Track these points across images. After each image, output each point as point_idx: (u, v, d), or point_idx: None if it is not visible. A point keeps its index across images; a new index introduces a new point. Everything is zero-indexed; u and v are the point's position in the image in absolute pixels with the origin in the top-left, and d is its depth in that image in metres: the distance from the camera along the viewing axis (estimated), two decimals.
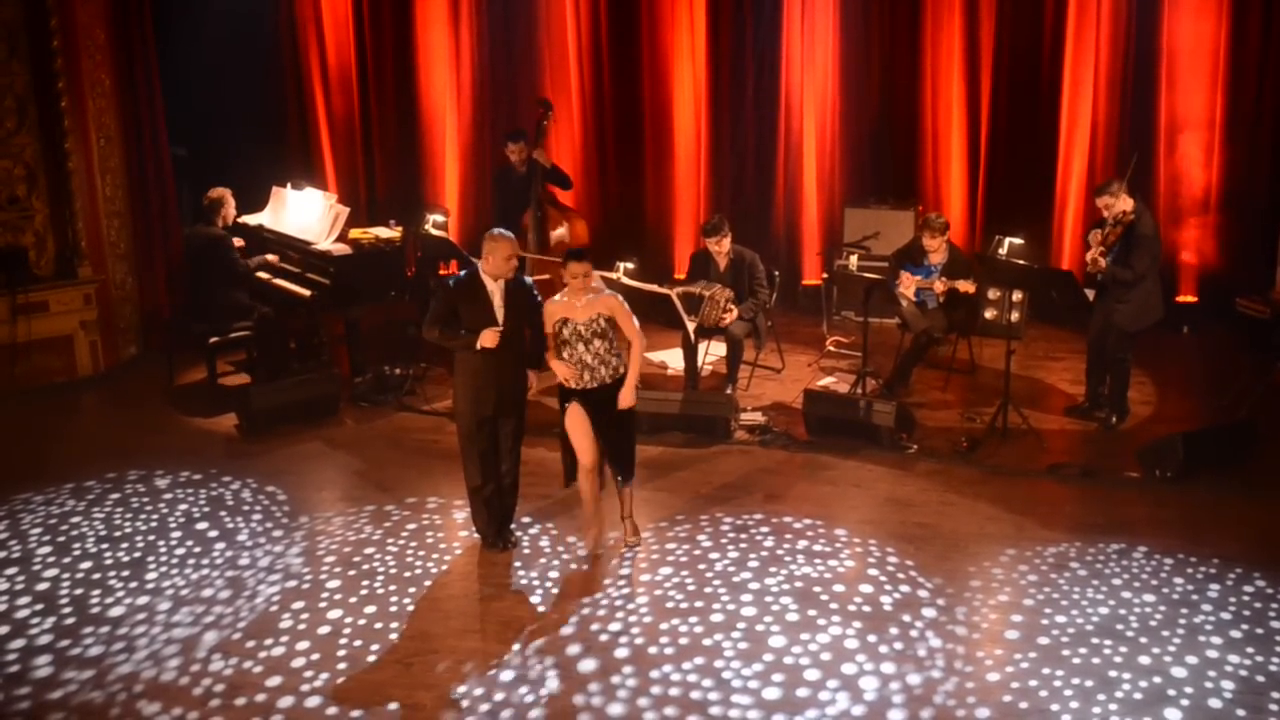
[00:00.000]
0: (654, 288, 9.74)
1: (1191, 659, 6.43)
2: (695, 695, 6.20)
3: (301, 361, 10.59)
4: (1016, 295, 10.95)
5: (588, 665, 6.47)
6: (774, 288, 10.49)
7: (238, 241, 10.47)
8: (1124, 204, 8.96)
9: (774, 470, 8.80)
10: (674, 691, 6.23)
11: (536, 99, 11.88)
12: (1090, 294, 9.28)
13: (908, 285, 10.00)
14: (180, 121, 12.04)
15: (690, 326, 9.58)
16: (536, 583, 7.32)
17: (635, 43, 12.81)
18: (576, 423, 7.40)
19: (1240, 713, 6.02)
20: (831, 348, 11.23)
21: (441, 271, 11.47)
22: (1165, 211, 11.57)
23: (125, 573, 7.50)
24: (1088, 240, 9.23)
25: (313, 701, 6.21)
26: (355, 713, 6.11)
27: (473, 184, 13.34)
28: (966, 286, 9.70)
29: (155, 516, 8.24)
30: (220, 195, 10.19)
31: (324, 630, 6.84)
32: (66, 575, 7.48)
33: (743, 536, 7.77)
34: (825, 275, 11.82)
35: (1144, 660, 6.43)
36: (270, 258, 10.60)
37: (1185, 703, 6.07)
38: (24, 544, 7.87)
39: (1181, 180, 11.56)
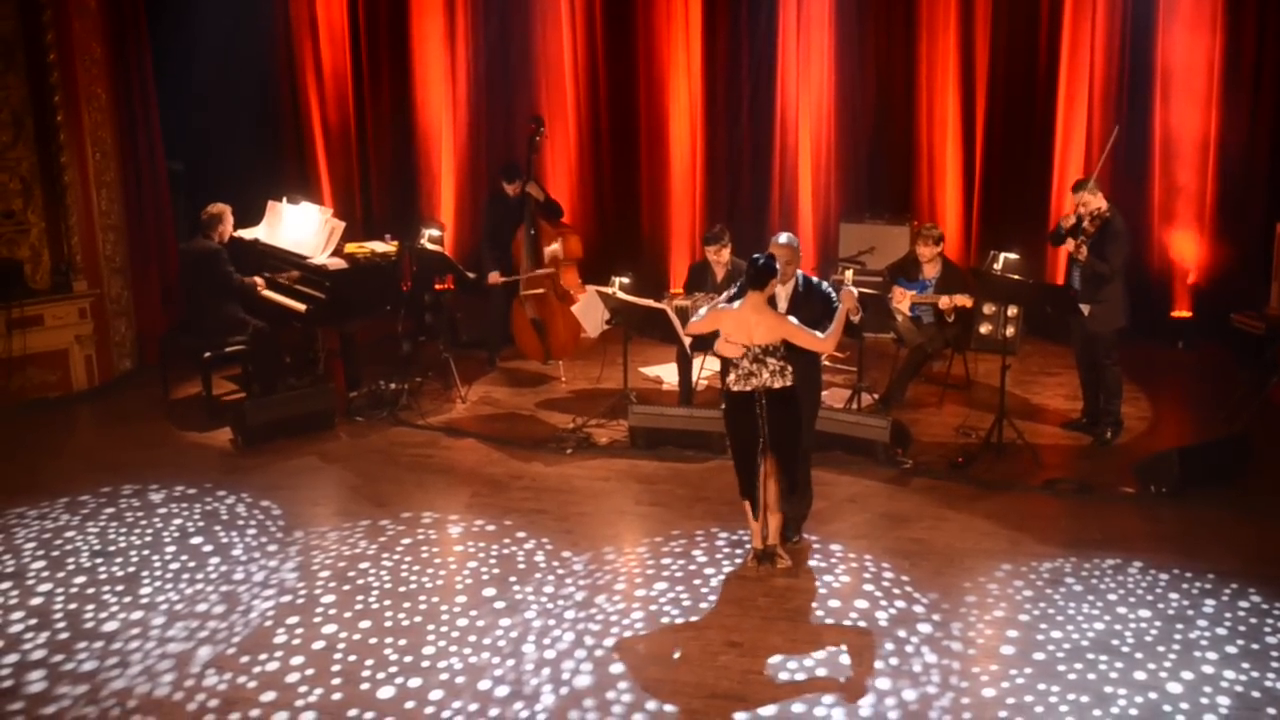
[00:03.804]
0: (649, 302, 9.73)
1: (1187, 675, 6.42)
2: (691, 710, 6.19)
3: (297, 376, 10.58)
4: (1012, 310, 10.96)
5: (583, 680, 6.46)
6: None
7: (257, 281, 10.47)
8: (1100, 202, 9.13)
9: None
10: (669, 707, 6.21)
11: (530, 115, 11.90)
12: (1086, 309, 9.29)
13: (900, 299, 10.01)
14: (176, 136, 12.06)
15: (686, 341, 9.58)
16: (532, 597, 7.30)
17: (631, 57, 12.85)
18: None
19: None
20: (827, 362, 11.22)
21: (437, 286, 11.47)
22: (1160, 227, 11.62)
23: (119, 587, 7.47)
24: (1058, 233, 9.30)
25: (307, 716, 6.18)
26: None
27: (468, 199, 13.37)
28: (963, 300, 9.72)
29: (150, 531, 8.22)
30: (219, 211, 10.15)
31: (318, 645, 6.82)
32: (60, 590, 7.45)
33: (738, 551, 7.76)
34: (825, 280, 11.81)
35: (1140, 676, 6.42)
36: (259, 280, 10.55)
37: (1181, 719, 6.06)
38: (18, 559, 7.85)
39: (1176, 196, 11.60)
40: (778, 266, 7.24)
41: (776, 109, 12.59)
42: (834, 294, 7.60)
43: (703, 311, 7.53)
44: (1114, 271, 9.06)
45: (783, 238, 7.62)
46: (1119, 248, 9.09)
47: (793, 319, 7.24)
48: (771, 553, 7.53)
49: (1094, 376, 9.54)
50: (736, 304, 7.24)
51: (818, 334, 7.23)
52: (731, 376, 7.37)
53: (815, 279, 7.71)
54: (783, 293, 7.47)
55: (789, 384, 7.26)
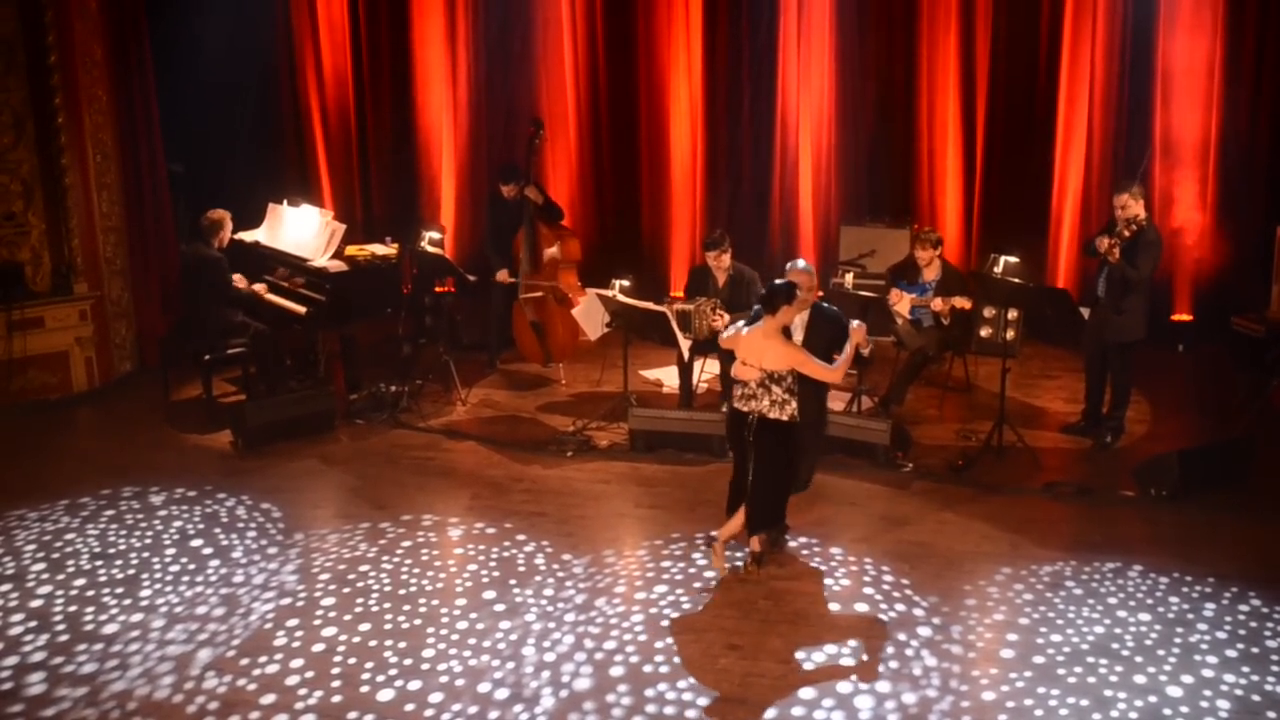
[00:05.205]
0: (650, 305, 9.73)
1: (1187, 678, 6.42)
2: (690, 714, 6.19)
3: (297, 378, 10.57)
4: (1012, 313, 10.95)
5: (583, 683, 6.46)
6: None
7: (241, 282, 10.47)
8: (1138, 209, 9.10)
9: None
10: (669, 710, 6.21)
11: (530, 118, 11.90)
12: (1085, 312, 9.29)
13: (898, 301, 10.02)
14: (177, 138, 12.05)
15: (684, 344, 9.58)
16: (532, 600, 7.30)
17: (631, 59, 12.84)
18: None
19: None
20: None
21: (437, 289, 11.47)
22: (1160, 230, 11.58)
23: (119, 590, 7.48)
24: (1092, 245, 9.26)
25: (307, 719, 6.19)
26: None
27: (469, 201, 13.36)
28: (963, 303, 9.72)
29: (150, 533, 8.22)
30: (220, 218, 10.16)
31: (318, 648, 6.82)
32: (60, 592, 7.45)
33: (738, 555, 7.75)
34: (821, 293, 11.79)
35: (1139, 680, 6.42)
36: (259, 287, 10.54)
37: None
38: (18, 560, 7.85)
39: (1177, 199, 11.58)
40: (798, 293, 7.29)
41: (777, 111, 12.58)
42: (842, 318, 7.68)
43: (728, 331, 7.53)
44: (1141, 279, 9.05)
45: (801, 264, 7.65)
46: (1149, 257, 9.09)
47: (804, 350, 7.28)
48: (760, 557, 7.58)
49: (1102, 380, 9.53)
50: (752, 327, 7.27)
51: (826, 365, 7.28)
52: (737, 391, 7.40)
53: (827, 305, 7.76)
54: (798, 321, 7.51)
55: (783, 419, 7.25)
